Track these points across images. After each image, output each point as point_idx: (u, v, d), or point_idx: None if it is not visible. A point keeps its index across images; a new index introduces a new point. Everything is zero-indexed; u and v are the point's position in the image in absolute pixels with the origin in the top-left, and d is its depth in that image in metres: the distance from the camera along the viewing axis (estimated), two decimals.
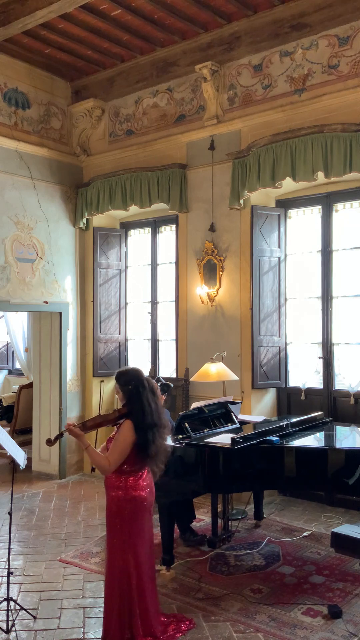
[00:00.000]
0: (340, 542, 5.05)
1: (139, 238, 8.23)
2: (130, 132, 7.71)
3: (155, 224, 7.97)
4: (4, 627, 3.93)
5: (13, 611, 4.10)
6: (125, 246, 8.28)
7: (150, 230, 8.04)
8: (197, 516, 5.77)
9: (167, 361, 7.86)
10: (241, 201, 6.54)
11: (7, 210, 7.21)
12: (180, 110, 7.19)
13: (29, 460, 7.59)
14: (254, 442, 4.63)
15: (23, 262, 7.38)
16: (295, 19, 6.21)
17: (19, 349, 10.17)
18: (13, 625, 3.98)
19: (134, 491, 3.66)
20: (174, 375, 7.38)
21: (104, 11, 6.47)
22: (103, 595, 3.84)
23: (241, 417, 5.74)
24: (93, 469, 7.56)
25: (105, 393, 8.05)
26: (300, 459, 4.53)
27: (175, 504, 4.88)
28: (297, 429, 5.17)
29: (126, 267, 8.28)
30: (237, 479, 4.64)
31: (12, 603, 4.11)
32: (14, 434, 8.76)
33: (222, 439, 4.73)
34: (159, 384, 4.87)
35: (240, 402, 5.94)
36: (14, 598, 4.25)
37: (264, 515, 5.96)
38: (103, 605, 3.81)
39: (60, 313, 7.82)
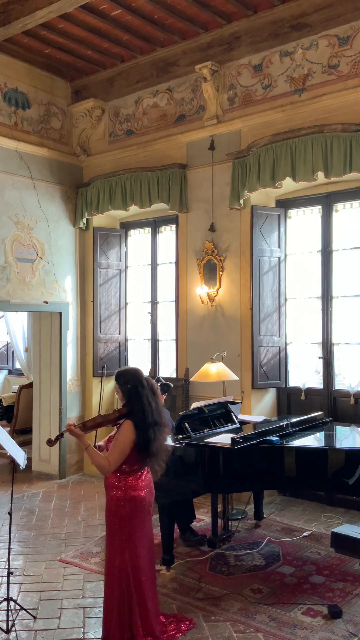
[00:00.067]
0: (340, 542, 5.05)
1: (139, 238, 8.23)
2: (130, 132, 7.71)
3: (155, 224, 7.97)
4: (4, 627, 3.93)
5: (13, 611, 4.10)
6: (125, 246, 8.28)
7: (150, 230, 8.05)
8: (197, 516, 5.77)
9: (167, 361, 7.87)
10: (241, 201, 6.54)
11: (7, 210, 7.21)
12: (180, 110, 7.20)
13: (29, 460, 7.59)
14: (254, 442, 4.63)
15: (23, 262, 7.38)
16: (295, 19, 6.21)
17: (19, 349, 10.17)
18: (13, 625, 3.98)
19: (133, 491, 3.66)
20: (174, 375, 7.38)
21: (104, 11, 6.47)
22: (103, 595, 3.84)
23: (241, 417, 5.74)
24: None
25: (105, 393, 8.05)
26: (300, 459, 4.53)
27: (175, 504, 4.88)
28: (297, 429, 5.17)
29: (126, 267, 8.28)
30: (237, 479, 4.64)
31: (12, 603, 4.11)
32: (14, 434, 8.77)
33: (222, 439, 4.73)
34: (159, 384, 4.87)
35: (240, 402, 5.94)
36: (14, 598, 4.25)
37: (264, 515, 5.97)
38: (103, 605, 3.81)
39: (60, 313, 7.82)
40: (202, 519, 5.98)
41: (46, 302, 7.63)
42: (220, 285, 6.87)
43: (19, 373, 10.90)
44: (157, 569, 4.29)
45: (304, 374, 6.81)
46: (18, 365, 10.77)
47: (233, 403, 5.59)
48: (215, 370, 5.94)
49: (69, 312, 7.92)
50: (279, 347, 6.80)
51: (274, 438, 4.74)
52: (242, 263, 6.70)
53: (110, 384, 7.83)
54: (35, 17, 5.78)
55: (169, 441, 4.43)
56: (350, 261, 6.47)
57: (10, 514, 4.20)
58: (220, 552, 5.17)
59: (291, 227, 6.92)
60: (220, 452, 4.52)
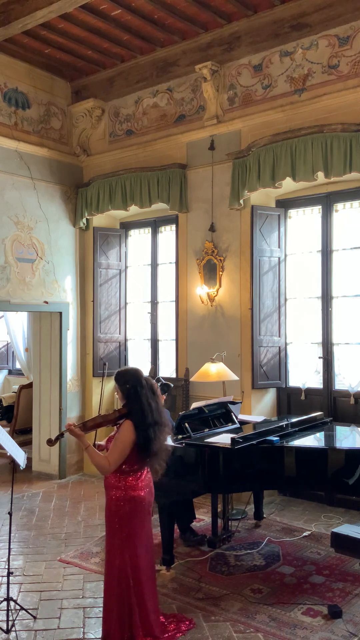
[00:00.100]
0: (340, 542, 5.05)
1: (139, 238, 8.23)
2: (130, 132, 7.71)
3: (155, 224, 7.97)
4: (4, 627, 3.93)
5: (13, 611, 4.10)
6: (125, 246, 8.28)
7: (150, 230, 8.05)
8: (197, 516, 5.77)
9: (167, 361, 7.87)
10: (241, 201, 6.54)
11: (7, 210, 7.21)
12: (180, 110, 7.20)
13: (29, 460, 7.59)
14: (254, 442, 4.63)
15: (23, 262, 7.38)
16: (295, 19, 6.21)
17: (19, 349, 10.17)
18: (13, 625, 3.98)
19: (133, 491, 3.66)
20: (174, 375, 7.38)
21: (104, 11, 6.47)
22: (103, 595, 3.84)
23: (241, 417, 5.74)
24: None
25: (105, 393, 8.04)
26: (300, 459, 4.53)
27: (175, 504, 4.88)
28: (297, 429, 5.17)
29: (126, 267, 8.28)
30: (237, 479, 4.64)
31: (12, 603, 4.11)
32: (14, 434, 8.77)
33: (222, 439, 4.73)
34: (159, 384, 4.87)
35: (240, 402, 5.94)
36: (14, 598, 4.25)
37: (264, 515, 5.96)
38: (103, 605, 3.81)
39: (60, 313, 7.82)
40: (202, 519, 5.98)
41: (46, 302, 7.63)
42: (220, 285, 6.87)
43: (19, 373, 10.90)
44: (157, 569, 4.30)
45: (304, 374, 6.81)
46: (18, 365, 10.77)
47: (233, 403, 5.59)
48: (215, 370, 5.94)
49: (69, 312, 7.92)
50: (279, 347, 6.80)
51: (274, 438, 4.74)
52: (242, 263, 6.70)
53: (110, 384, 7.83)
54: (35, 17, 5.79)
55: (169, 441, 4.43)
56: (350, 261, 6.47)
57: (10, 514, 4.21)
58: (220, 552, 5.17)
59: (291, 227, 6.92)
60: (220, 452, 4.52)
